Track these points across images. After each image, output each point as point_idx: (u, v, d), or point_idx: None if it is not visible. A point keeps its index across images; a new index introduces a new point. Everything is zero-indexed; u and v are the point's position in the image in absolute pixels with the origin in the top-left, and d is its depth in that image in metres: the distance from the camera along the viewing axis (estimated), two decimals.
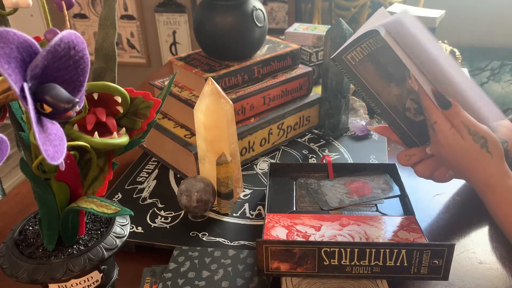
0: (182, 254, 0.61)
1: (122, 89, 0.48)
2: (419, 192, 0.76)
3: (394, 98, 0.61)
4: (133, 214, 0.45)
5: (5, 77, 0.30)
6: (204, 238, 0.66)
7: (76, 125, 0.46)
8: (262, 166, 0.84)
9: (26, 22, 2.42)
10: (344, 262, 0.53)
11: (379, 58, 0.60)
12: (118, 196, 0.76)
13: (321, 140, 0.91)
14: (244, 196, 0.76)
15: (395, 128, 0.62)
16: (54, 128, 0.35)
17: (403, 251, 0.52)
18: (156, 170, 0.83)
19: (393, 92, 0.61)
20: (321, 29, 1.10)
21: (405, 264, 0.52)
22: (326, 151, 0.88)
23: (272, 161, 0.85)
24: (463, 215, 0.71)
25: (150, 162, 0.85)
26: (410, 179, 0.79)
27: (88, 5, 2.42)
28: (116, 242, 0.50)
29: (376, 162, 0.83)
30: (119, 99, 0.47)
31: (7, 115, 0.45)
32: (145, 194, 0.76)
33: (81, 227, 0.50)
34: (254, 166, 0.84)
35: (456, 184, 0.78)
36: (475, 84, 0.64)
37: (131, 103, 0.49)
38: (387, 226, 0.60)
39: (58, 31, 0.37)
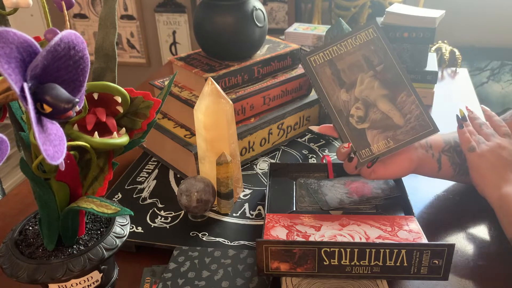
0: (182, 254, 0.61)
1: (122, 89, 0.48)
2: (419, 192, 0.76)
3: (342, 103, 0.68)
4: (133, 214, 0.45)
5: (5, 77, 0.30)
6: (204, 238, 0.66)
7: (76, 125, 0.46)
8: (262, 166, 0.84)
9: (26, 22, 2.42)
10: (344, 262, 0.53)
11: (337, 65, 0.69)
12: (118, 196, 0.76)
13: (321, 140, 0.91)
14: (244, 196, 0.76)
15: (337, 129, 0.68)
16: (54, 128, 0.35)
17: (403, 251, 0.52)
18: (156, 170, 0.83)
19: (342, 97, 0.68)
20: (321, 29, 1.10)
21: (405, 264, 0.52)
22: (326, 151, 0.88)
23: (272, 161, 0.85)
24: (463, 215, 0.71)
25: (150, 162, 0.85)
26: (410, 179, 0.79)
27: (88, 5, 2.42)
28: (116, 242, 0.50)
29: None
30: (119, 99, 0.47)
31: (7, 115, 0.45)
32: (145, 194, 0.76)
33: (81, 227, 0.50)
34: (254, 166, 0.84)
35: (456, 184, 0.78)
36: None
37: (131, 103, 0.49)
38: (387, 226, 0.60)
39: (58, 31, 0.37)
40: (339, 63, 0.69)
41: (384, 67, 0.69)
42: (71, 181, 0.46)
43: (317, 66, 0.69)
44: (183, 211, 0.71)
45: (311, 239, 0.58)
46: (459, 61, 1.27)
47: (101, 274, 0.51)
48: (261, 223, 0.69)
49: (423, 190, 0.76)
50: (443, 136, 0.72)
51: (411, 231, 0.59)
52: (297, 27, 1.13)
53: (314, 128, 0.71)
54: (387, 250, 0.52)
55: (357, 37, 0.70)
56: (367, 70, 0.69)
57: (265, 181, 0.79)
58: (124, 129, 0.49)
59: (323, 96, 0.68)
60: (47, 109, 0.33)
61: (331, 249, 0.52)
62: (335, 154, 0.86)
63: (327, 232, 0.59)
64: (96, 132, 0.46)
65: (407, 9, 1.10)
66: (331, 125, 0.69)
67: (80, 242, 0.50)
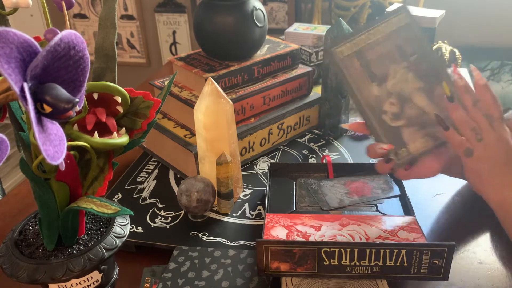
0: (182, 254, 0.61)
1: (122, 89, 0.48)
2: (419, 192, 0.76)
3: (374, 98, 0.62)
4: (133, 214, 0.45)
5: (5, 77, 0.30)
6: (204, 238, 0.66)
7: (76, 125, 0.46)
8: (262, 166, 0.84)
9: (26, 22, 2.42)
10: (344, 262, 0.53)
11: (366, 55, 0.62)
12: (118, 196, 0.76)
13: (321, 140, 0.91)
14: (244, 196, 0.76)
15: (369, 127, 0.62)
16: (54, 128, 0.35)
17: (403, 251, 0.52)
18: (156, 170, 0.83)
19: (374, 92, 0.62)
20: (321, 29, 1.10)
21: (405, 264, 0.52)
22: (326, 151, 0.88)
23: (272, 161, 0.85)
24: (463, 215, 0.71)
25: (150, 162, 0.85)
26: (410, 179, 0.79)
27: (88, 5, 2.42)
28: (116, 242, 0.50)
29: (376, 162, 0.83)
30: (119, 99, 0.47)
31: (7, 115, 0.45)
32: (145, 194, 0.76)
33: (81, 227, 0.50)
34: (254, 166, 0.84)
35: (456, 184, 0.78)
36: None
37: (131, 103, 0.49)
38: (387, 226, 0.60)
39: (58, 31, 0.37)
40: (368, 54, 0.62)
41: (418, 57, 0.62)
42: (71, 181, 0.46)
43: (344, 58, 0.62)
44: (183, 211, 0.71)
45: (311, 239, 0.58)
46: (459, 61, 1.27)
47: (101, 274, 0.51)
48: (261, 223, 0.69)
49: (423, 190, 0.76)
50: None
51: (411, 231, 0.59)
52: (297, 27, 1.13)
53: (345, 126, 0.66)
54: (387, 250, 0.52)
55: (388, 23, 0.63)
56: (399, 60, 0.62)
57: (265, 181, 0.79)
58: (124, 129, 0.49)
59: (352, 91, 0.62)
60: (47, 109, 0.33)
61: (331, 249, 0.52)
62: (335, 154, 0.86)
63: (327, 232, 0.59)
64: (96, 132, 0.46)
65: None
66: (363, 121, 0.63)
67: (80, 242, 0.50)
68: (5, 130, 2.20)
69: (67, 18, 0.45)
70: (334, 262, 0.53)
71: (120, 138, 0.47)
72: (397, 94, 0.62)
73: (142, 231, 0.67)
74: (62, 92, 0.34)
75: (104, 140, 0.46)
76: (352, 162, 0.83)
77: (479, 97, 0.60)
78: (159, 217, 0.70)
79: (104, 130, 0.47)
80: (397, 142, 0.61)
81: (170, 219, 0.70)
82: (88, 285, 0.50)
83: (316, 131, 0.95)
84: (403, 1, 1.74)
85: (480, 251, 0.63)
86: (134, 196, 0.76)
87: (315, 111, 0.93)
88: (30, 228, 0.52)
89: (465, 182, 0.76)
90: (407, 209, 0.65)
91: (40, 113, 0.34)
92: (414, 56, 0.63)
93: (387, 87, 0.62)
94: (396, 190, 0.69)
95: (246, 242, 0.65)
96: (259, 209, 0.72)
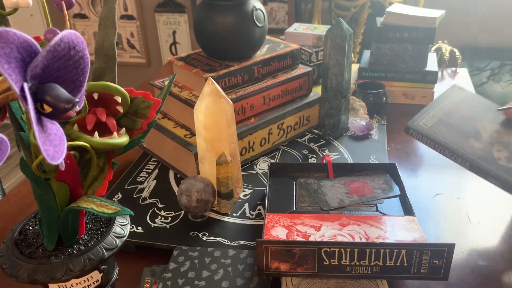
0: (182, 254, 0.61)
1: (122, 89, 0.48)
2: (419, 192, 0.76)
3: (480, 151, 0.67)
4: (133, 214, 0.45)
5: (5, 77, 0.30)
6: (204, 238, 0.66)
7: (76, 125, 0.46)
8: (262, 166, 0.84)
9: (26, 22, 2.42)
10: (344, 262, 0.53)
11: (449, 121, 0.72)
12: (118, 196, 0.76)
13: (321, 140, 0.91)
14: (244, 196, 0.76)
15: (493, 179, 0.65)
16: (54, 128, 0.35)
17: (403, 251, 0.52)
18: (156, 170, 0.83)
19: (476, 146, 0.68)
20: (321, 29, 1.10)
21: (405, 264, 0.52)
22: (326, 151, 0.88)
23: (272, 161, 0.85)
24: (463, 215, 0.71)
25: (150, 162, 0.86)
26: (410, 179, 0.80)
27: (88, 5, 2.42)
28: (116, 242, 0.50)
29: (376, 162, 0.83)
30: (119, 99, 0.47)
31: (7, 115, 0.45)
32: (145, 194, 0.76)
33: (81, 227, 0.50)
34: (254, 166, 0.84)
35: (456, 184, 0.78)
36: None
37: (131, 103, 0.49)
38: (387, 226, 0.60)
39: (58, 31, 0.37)
40: (450, 119, 0.72)
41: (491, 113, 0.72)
42: (71, 181, 0.46)
43: (430, 127, 0.71)
44: (183, 211, 0.71)
45: (311, 239, 0.58)
46: (459, 61, 1.27)
47: (101, 274, 0.51)
48: (261, 223, 0.69)
49: (423, 190, 0.76)
50: None
51: (411, 231, 0.59)
52: (297, 27, 1.13)
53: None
54: (387, 250, 0.52)
55: (449, 101, 0.76)
56: (481, 117, 0.72)
57: (265, 181, 0.79)
58: (124, 129, 0.49)
59: (456, 152, 0.67)
60: (47, 109, 0.33)
61: (331, 249, 0.52)
62: (335, 154, 0.86)
63: (327, 232, 0.59)
64: (96, 132, 0.46)
65: (407, 9, 1.10)
66: None
67: (80, 242, 0.50)
68: (5, 130, 2.20)
69: (67, 18, 0.45)
70: (334, 262, 0.53)
71: (120, 138, 0.47)
72: (498, 142, 0.68)
73: (142, 231, 0.67)
74: (62, 92, 0.34)
75: (104, 140, 0.46)
76: (352, 162, 0.83)
77: None
78: (159, 217, 0.70)
79: (104, 130, 0.47)
80: None
81: (170, 219, 0.70)
82: (88, 285, 0.50)
83: (316, 131, 0.95)
84: (403, 1, 1.74)
85: (480, 251, 0.63)
86: (134, 196, 0.76)
87: (315, 111, 0.93)
88: (30, 228, 0.52)
89: (465, 182, 0.76)
90: (407, 209, 0.65)
91: (40, 113, 0.34)
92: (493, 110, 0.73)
93: (485, 139, 0.69)
94: (396, 190, 0.69)
95: (246, 242, 0.65)
96: (259, 209, 0.72)
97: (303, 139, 0.92)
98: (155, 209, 0.72)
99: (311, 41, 1.08)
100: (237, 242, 0.65)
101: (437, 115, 0.74)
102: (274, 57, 0.85)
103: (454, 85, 0.80)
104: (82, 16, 2.46)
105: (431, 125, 0.73)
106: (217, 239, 0.66)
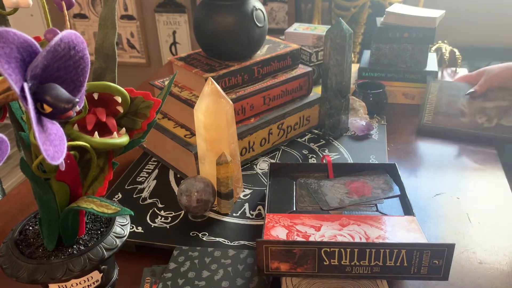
0: (182, 254, 0.61)
1: (122, 89, 0.48)
2: (419, 192, 0.76)
3: (469, 123, 0.92)
4: (133, 214, 0.45)
5: (5, 77, 0.30)
6: (204, 238, 0.66)
7: (76, 125, 0.46)
8: (262, 166, 0.84)
9: (26, 22, 2.42)
10: (344, 262, 0.53)
11: (440, 110, 0.97)
12: (118, 196, 0.76)
13: (321, 140, 0.91)
14: (244, 196, 0.76)
15: (487, 139, 0.90)
16: (54, 128, 0.35)
17: (403, 251, 0.52)
18: (156, 170, 0.83)
19: (465, 121, 0.93)
20: (321, 29, 1.10)
21: (405, 264, 0.52)
22: (326, 151, 0.88)
23: (272, 161, 0.85)
24: (463, 215, 0.71)
25: (150, 162, 0.86)
26: (410, 179, 0.80)
27: (88, 5, 2.42)
28: (116, 242, 0.50)
29: (376, 162, 0.83)
30: (119, 99, 0.47)
31: (7, 115, 0.45)
32: (145, 194, 0.76)
33: (81, 227, 0.50)
34: (254, 166, 0.84)
35: (456, 184, 0.78)
36: None
37: (131, 103, 0.49)
38: (387, 226, 0.60)
39: (58, 31, 0.37)
40: (440, 108, 0.97)
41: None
42: (71, 181, 0.46)
43: (432, 121, 0.95)
44: (183, 211, 0.71)
45: (311, 239, 0.58)
46: (459, 61, 1.27)
47: (101, 274, 0.51)
48: (261, 223, 0.69)
49: (423, 190, 0.76)
50: None
51: (411, 231, 0.59)
52: (297, 27, 1.13)
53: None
54: (387, 250, 0.52)
55: (432, 95, 1.02)
56: (458, 98, 0.98)
57: (265, 181, 0.79)
58: (124, 129, 0.49)
59: (459, 131, 0.92)
60: (47, 109, 0.33)
61: (331, 249, 0.52)
62: (335, 154, 0.86)
63: (327, 232, 0.59)
64: (96, 132, 0.46)
65: (407, 9, 1.10)
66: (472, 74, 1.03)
67: (80, 242, 0.50)
68: (5, 130, 2.20)
69: (67, 18, 0.45)
70: (334, 262, 0.53)
71: (120, 138, 0.47)
72: (476, 111, 0.94)
73: (142, 231, 0.67)
74: (62, 92, 0.34)
75: (104, 140, 0.46)
76: (352, 162, 0.83)
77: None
78: (159, 217, 0.70)
79: (104, 130, 0.47)
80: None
81: (170, 219, 0.70)
82: (88, 285, 0.50)
83: (316, 131, 0.95)
84: (403, 1, 1.74)
85: (480, 251, 0.63)
86: (134, 196, 0.76)
87: (315, 111, 0.93)
88: (30, 228, 0.52)
89: (465, 182, 0.76)
90: (407, 209, 0.65)
91: (40, 113, 0.34)
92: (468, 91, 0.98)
93: (468, 113, 0.95)
94: (396, 190, 0.69)
95: (246, 242, 0.65)
96: (259, 209, 0.72)
97: (303, 139, 0.92)
98: (155, 209, 0.72)
99: (311, 41, 1.08)
100: (237, 242, 0.65)
101: (430, 109, 0.94)
102: (274, 57, 0.85)
103: (428, 79, 1.01)
104: (82, 16, 2.46)
105: (432, 119, 0.92)
106: (217, 239, 0.66)
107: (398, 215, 0.64)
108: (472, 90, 0.98)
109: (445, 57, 1.27)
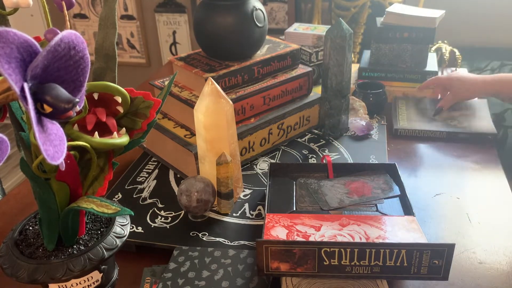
0: (182, 254, 0.61)
1: (122, 89, 0.48)
2: (419, 192, 0.76)
3: (442, 125, 0.96)
4: (133, 214, 0.45)
5: (5, 77, 0.30)
6: (204, 238, 0.66)
7: (76, 125, 0.46)
8: (262, 166, 0.84)
9: (26, 22, 2.42)
10: (344, 262, 0.53)
11: (413, 118, 1.01)
12: (118, 196, 0.76)
13: (321, 140, 0.91)
14: (244, 196, 0.76)
15: (460, 137, 0.93)
16: (54, 128, 0.35)
17: (403, 251, 0.52)
18: (156, 170, 0.83)
19: (439, 124, 0.97)
20: (321, 29, 1.10)
21: (405, 264, 0.52)
22: (326, 151, 0.88)
23: (272, 161, 0.85)
24: (463, 215, 0.71)
25: (150, 162, 0.85)
26: (410, 179, 0.80)
27: (88, 5, 2.42)
28: (116, 242, 0.50)
29: (376, 162, 0.83)
30: (119, 99, 0.47)
31: (7, 115, 0.45)
32: (145, 194, 0.76)
33: (81, 227, 0.50)
34: (254, 166, 0.84)
35: (456, 184, 0.78)
36: None
37: (131, 103, 0.49)
38: (387, 226, 0.60)
39: (58, 31, 0.37)
40: (413, 116, 1.01)
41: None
42: (71, 181, 0.46)
43: (408, 124, 0.98)
44: (183, 211, 0.71)
45: (311, 239, 0.58)
46: (459, 61, 1.27)
47: (101, 274, 0.51)
48: (261, 223, 0.69)
49: (423, 190, 0.76)
50: None
51: (411, 231, 0.59)
52: (297, 27, 1.13)
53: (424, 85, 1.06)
54: (387, 250, 0.52)
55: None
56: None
57: (265, 181, 0.79)
58: (124, 129, 0.49)
59: (434, 131, 0.95)
60: (47, 109, 0.33)
61: (331, 249, 0.52)
62: (335, 154, 0.86)
63: (327, 232, 0.59)
64: (96, 132, 0.46)
65: (407, 9, 1.10)
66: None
67: (80, 242, 0.50)
68: (5, 130, 2.20)
69: (67, 18, 0.45)
70: (334, 262, 0.53)
71: (120, 138, 0.47)
72: (446, 118, 1.00)
73: (142, 231, 0.67)
74: (62, 92, 0.34)
75: (104, 140, 0.46)
76: (352, 162, 0.83)
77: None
78: (159, 217, 0.70)
79: (104, 130, 0.47)
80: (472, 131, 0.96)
81: (170, 219, 0.70)
82: (88, 285, 0.50)
83: (316, 131, 0.95)
84: (403, 1, 1.74)
85: (480, 251, 0.63)
86: (134, 196, 0.76)
87: (315, 111, 0.93)
88: (30, 228, 0.52)
89: (465, 182, 0.76)
90: (407, 209, 0.65)
91: (40, 113, 0.34)
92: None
93: (440, 119, 1.00)
94: (396, 190, 0.69)
95: (246, 242, 0.65)
96: (259, 209, 0.72)
97: (303, 139, 0.92)
98: (155, 209, 0.72)
99: (311, 41, 1.08)
100: (237, 242, 0.65)
101: (402, 114, 1.00)
102: (274, 57, 0.85)
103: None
104: (82, 16, 2.46)
105: (407, 122, 0.97)
106: (217, 239, 0.66)
107: (398, 215, 0.64)
108: (437, 107, 1.01)
109: (445, 57, 1.27)
